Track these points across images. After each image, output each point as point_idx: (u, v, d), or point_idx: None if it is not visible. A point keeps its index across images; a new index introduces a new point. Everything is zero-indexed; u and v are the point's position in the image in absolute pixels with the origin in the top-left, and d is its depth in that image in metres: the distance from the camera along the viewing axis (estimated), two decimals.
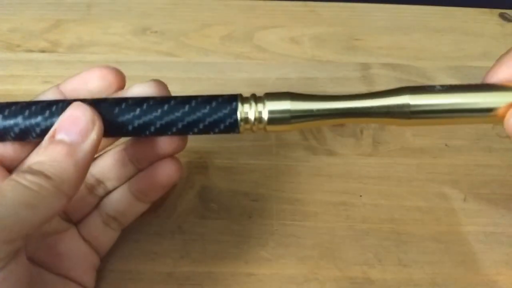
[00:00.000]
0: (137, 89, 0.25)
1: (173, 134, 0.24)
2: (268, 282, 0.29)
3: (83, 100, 0.23)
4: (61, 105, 0.23)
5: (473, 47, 0.41)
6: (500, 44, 0.41)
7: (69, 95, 0.25)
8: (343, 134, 0.35)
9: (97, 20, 0.42)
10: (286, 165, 0.34)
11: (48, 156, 0.21)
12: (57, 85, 0.25)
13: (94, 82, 0.25)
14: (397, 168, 0.34)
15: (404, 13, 0.43)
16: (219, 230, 0.31)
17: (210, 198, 0.32)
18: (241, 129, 0.23)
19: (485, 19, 0.43)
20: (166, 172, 0.26)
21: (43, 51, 0.40)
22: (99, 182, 0.27)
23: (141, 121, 0.23)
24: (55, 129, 0.22)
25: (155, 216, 0.31)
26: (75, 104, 0.23)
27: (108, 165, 0.27)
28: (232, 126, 0.23)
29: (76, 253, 0.27)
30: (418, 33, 0.42)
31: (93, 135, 0.22)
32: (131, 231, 0.30)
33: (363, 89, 0.38)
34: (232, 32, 0.42)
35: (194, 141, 0.34)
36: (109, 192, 0.28)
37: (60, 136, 0.22)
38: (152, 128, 0.24)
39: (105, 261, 0.29)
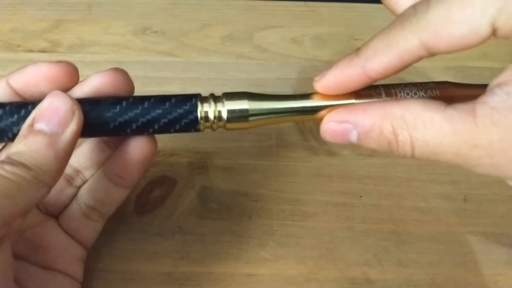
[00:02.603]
0: (94, 80, 0.24)
1: (132, 132, 0.24)
2: (268, 282, 0.29)
3: None
4: (30, 108, 0.23)
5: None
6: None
7: (21, 92, 0.24)
8: None
9: (97, 20, 0.42)
10: (286, 165, 0.34)
11: (28, 146, 0.21)
12: (6, 78, 0.24)
13: (43, 85, 0.23)
14: (397, 168, 0.34)
15: None
16: (219, 230, 0.31)
17: (210, 199, 0.32)
18: (201, 126, 0.24)
19: None
20: (137, 146, 0.25)
21: (43, 51, 0.40)
22: (77, 172, 0.27)
23: (98, 120, 0.23)
24: (34, 118, 0.22)
25: (155, 216, 0.31)
26: (54, 92, 0.22)
27: (85, 153, 0.27)
28: (193, 123, 0.24)
29: (57, 245, 0.26)
30: None
31: (73, 125, 0.22)
32: (131, 231, 0.30)
33: None
34: (232, 32, 0.42)
35: (194, 142, 0.34)
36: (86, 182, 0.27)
37: (39, 125, 0.22)
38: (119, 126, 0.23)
39: (105, 261, 0.29)
